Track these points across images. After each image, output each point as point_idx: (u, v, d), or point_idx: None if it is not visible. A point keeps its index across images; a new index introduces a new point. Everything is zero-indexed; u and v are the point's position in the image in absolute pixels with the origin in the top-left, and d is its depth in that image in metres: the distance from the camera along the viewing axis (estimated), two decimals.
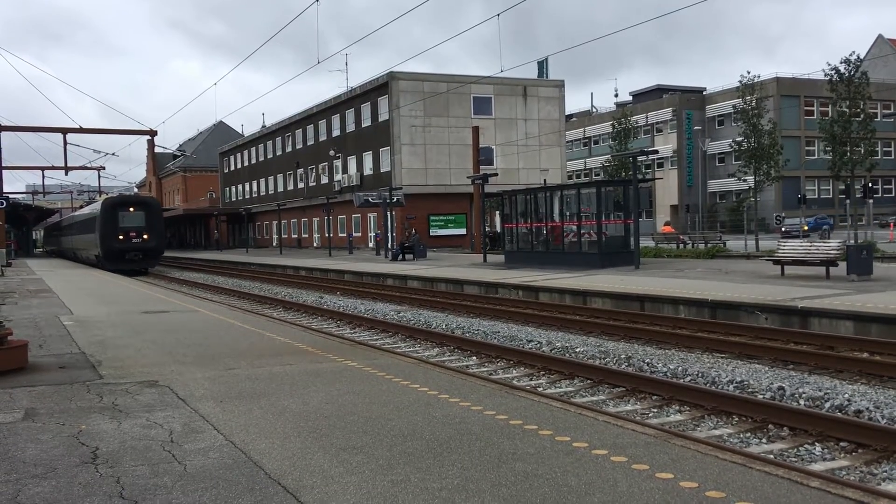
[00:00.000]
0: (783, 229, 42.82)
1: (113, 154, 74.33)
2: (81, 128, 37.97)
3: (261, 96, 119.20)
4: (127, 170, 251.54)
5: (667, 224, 55.88)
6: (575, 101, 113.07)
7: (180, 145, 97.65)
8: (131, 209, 38.90)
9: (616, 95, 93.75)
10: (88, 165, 52.14)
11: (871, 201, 35.42)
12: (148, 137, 41.16)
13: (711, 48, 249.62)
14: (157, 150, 46.32)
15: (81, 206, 64.15)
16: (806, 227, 44.27)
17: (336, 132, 56.43)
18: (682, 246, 36.90)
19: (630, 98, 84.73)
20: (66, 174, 45.90)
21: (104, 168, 54.54)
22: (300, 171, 62.70)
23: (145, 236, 38.24)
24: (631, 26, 38.61)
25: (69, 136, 37.81)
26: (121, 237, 37.67)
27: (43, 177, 59.27)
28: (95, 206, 42.37)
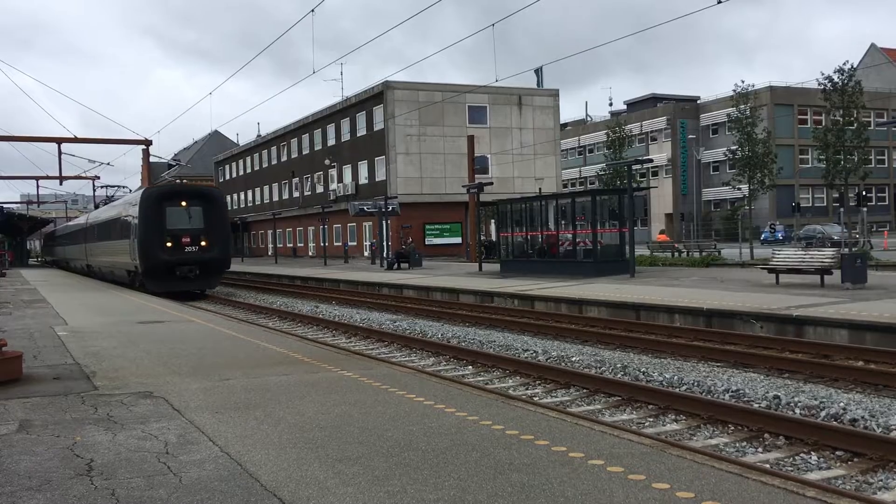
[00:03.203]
0: (818, 236, 42.54)
1: (108, 164, 74.21)
2: (76, 137, 37.99)
3: (254, 107, 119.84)
4: (122, 179, 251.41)
5: (662, 232, 56.06)
6: (562, 109, 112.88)
7: (175, 154, 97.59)
8: (183, 203, 27.29)
9: (610, 104, 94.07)
10: (83, 175, 52.03)
11: (864, 210, 35.57)
12: (143, 147, 41.01)
13: (689, 55, 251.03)
14: (151, 159, 45.33)
15: (98, 207, 46.39)
16: (836, 237, 44.16)
17: (331, 141, 56.48)
18: (676, 254, 36.97)
19: (624, 107, 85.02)
20: (61, 184, 45.41)
21: (99, 178, 54.42)
22: (295, 180, 62.71)
23: (203, 243, 26.99)
24: (617, 39, 38.85)
25: (62, 146, 37.75)
26: (169, 244, 26.53)
27: (37, 186, 59.18)
28: (130, 201, 30.31)
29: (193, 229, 27.06)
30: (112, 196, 46.25)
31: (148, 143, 39.49)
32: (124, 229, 29.38)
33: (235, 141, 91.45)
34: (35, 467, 5.34)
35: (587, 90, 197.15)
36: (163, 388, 8.19)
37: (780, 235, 53.68)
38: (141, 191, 29.33)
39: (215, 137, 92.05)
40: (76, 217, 60.45)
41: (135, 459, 5.47)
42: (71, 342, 12.32)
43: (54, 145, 37.60)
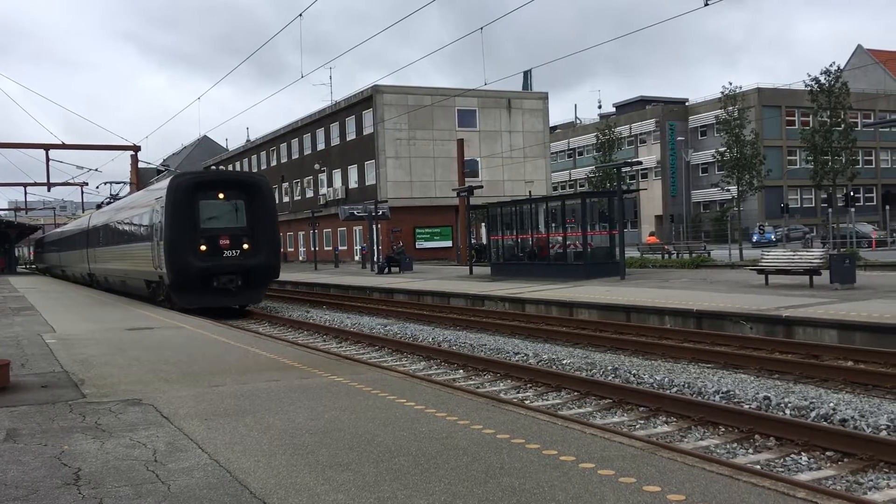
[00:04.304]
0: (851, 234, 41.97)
1: (96, 170, 73.78)
2: (64, 144, 37.88)
3: (241, 112, 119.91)
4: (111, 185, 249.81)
5: (651, 234, 56.17)
6: (551, 111, 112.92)
7: (164, 160, 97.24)
8: (221, 195, 21.54)
9: (599, 107, 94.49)
10: (71, 181, 51.75)
11: (852, 210, 35.77)
12: (131, 153, 40.83)
13: (674, 57, 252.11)
14: (140, 165, 44.72)
15: (101, 206, 39.92)
16: (873, 236, 43.01)
17: (321, 146, 56.44)
18: (666, 256, 37.07)
19: (613, 109, 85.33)
20: (49, 190, 45.04)
21: (87, 184, 54.06)
22: (285, 184, 62.60)
23: (246, 245, 21.34)
24: (603, 42, 39.07)
25: (49, 152, 37.58)
26: (203, 248, 20.97)
27: (25, 193, 58.80)
28: (154, 193, 23.95)
29: (234, 228, 21.43)
30: (116, 195, 39.56)
31: (136, 148, 39.42)
32: (143, 229, 23.68)
33: (224, 146, 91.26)
34: (22, 476, 5.29)
35: (575, 92, 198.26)
36: (151, 396, 8.14)
37: (771, 237, 53.45)
38: (167, 180, 23.10)
39: (205, 142, 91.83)
40: (65, 223, 58.74)
41: (123, 468, 5.43)
42: (59, 350, 12.23)
43: (40, 151, 37.47)
